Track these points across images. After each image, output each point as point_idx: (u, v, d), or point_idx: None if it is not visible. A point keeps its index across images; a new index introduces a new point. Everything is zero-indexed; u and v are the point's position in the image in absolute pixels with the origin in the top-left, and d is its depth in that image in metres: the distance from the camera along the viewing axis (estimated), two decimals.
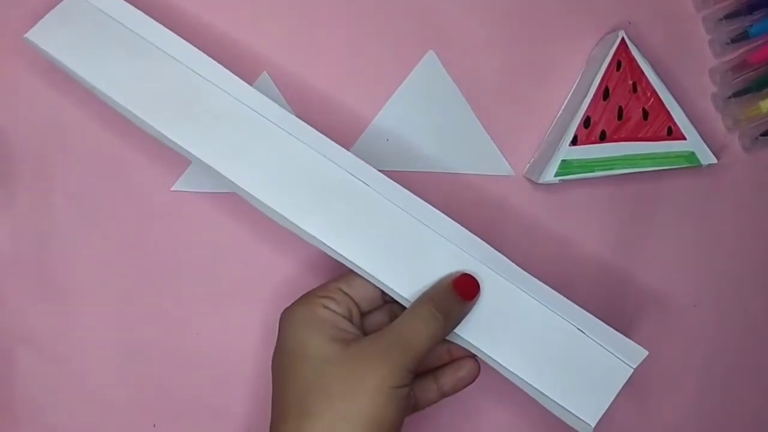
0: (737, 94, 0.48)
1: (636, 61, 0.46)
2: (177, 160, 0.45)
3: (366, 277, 0.39)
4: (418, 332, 0.36)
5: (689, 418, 0.50)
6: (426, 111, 0.47)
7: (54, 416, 0.46)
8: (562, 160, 0.45)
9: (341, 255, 0.39)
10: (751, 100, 0.48)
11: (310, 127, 0.40)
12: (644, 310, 0.50)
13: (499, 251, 0.40)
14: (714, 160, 0.47)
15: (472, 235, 0.40)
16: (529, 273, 0.40)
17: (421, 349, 0.36)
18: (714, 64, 0.49)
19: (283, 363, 0.37)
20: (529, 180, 0.48)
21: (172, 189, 0.46)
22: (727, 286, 0.50)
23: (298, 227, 0.39)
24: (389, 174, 0.40)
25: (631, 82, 0.46)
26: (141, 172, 0.46)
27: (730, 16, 0.48)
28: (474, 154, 0.48)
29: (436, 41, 0.47)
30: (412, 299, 0.38)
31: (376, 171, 0.40)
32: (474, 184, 0.48)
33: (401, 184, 0.40)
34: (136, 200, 0.46)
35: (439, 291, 0.38)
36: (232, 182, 0.39)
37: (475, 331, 0.39)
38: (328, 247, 0.39)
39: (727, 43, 0.48)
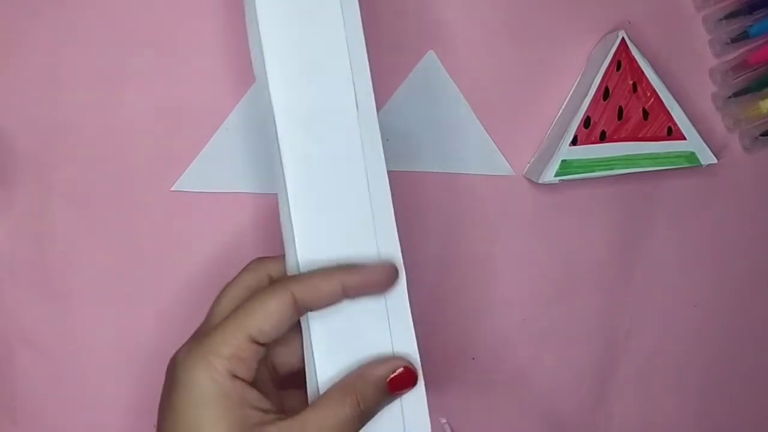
0: (737, 94, 0.48)
1: (636, 61, 0.46)
2: (177, 160, 0.45)
3: (282, 223, 0.35)
4: (334, 430, 0.32)
5: (689, 418, 0.50)
6: (426, 111, 0.47)
7: (54, 416, 0.46)
8: (562, 160, 0.45)
9: (286, 181, 0.35)
10: (751, 100, 0.48)
11: None
12: (644, 310, 0.50)
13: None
14: (714, 160, 0.47)
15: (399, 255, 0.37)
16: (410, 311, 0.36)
17: None
18: (714, 64, 0.49)
19: None
20: (529, 180, 0.48)
21: (172, 189, 0.46)
22: (728, 286, 0.50)
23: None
24: (389, 173, 0.40)
25: (631, 82, 0.46)
26: (141, 172, 0.46)
27: (730, 16, 0.48)
28: (474, 154, 0.48)
29: (436, 41, 0.47)
30: (304, 268, 0.35)
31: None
32: (474, 184, 0.48)
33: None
34: (136, 200, 0.46)
35: (370, 382, 0.34)
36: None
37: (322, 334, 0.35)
38: (281, 159, 0.35)
39: (727, 43, 0.48)
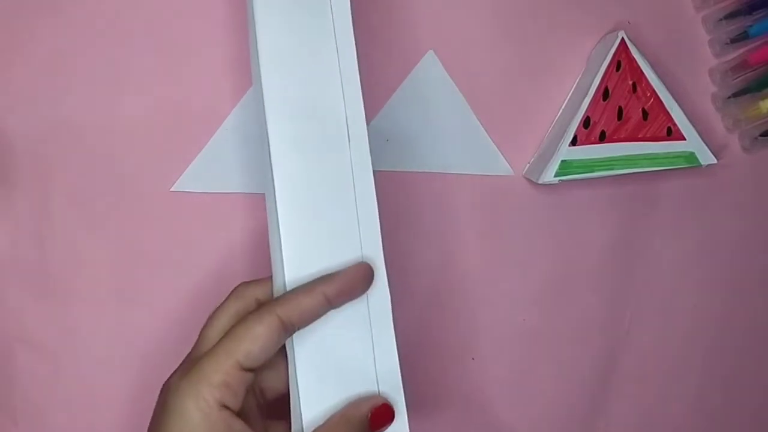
0: (737, 94, 0.48)
1: (636, 62, 0.46)
2: (177, 160, 0.45)
3: (270, 236, 0.36)
4: None
5: (688, 418, 0.50)
6: (426, 111, 0.47)
7: (54, 416, 0.46)
8: (562, 161, 0.45)
9: (275, 195, 0.36)
10: (750, 100, 0.48)
11: None
12: (644, 310, 0.50)
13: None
14: (714, 160, 0.47)
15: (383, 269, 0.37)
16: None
17: None
18: (714, 64, 0.49)
19: None
20: (529, 180, 0.48)
21: (172, 189, 0.46)
22: (727, 286, 0.50)
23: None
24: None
25: (630, 83, 0.46)
26: (141, 172, 0.46)
27: (730, 16, 0.48)
28: (474, 154, 0.48)
29: (436, 41, 0.47)
30: (290, 287, 0.35)
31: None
32: (474, 184, 0.48)
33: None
34: (136, 200, 0.46)
35: (354, 421, 0.35)
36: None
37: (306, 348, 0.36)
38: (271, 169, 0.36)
39: (727, 43, 0.48)
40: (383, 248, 0.37)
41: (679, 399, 0.50)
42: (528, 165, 0.48)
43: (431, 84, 0.47)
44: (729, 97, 0.49)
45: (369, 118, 0.47)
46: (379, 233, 0.37)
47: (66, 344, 0.46)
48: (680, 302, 0.50)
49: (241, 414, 0.33)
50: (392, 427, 0.36)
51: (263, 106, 0.37)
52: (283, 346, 0.36)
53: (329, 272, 0.36)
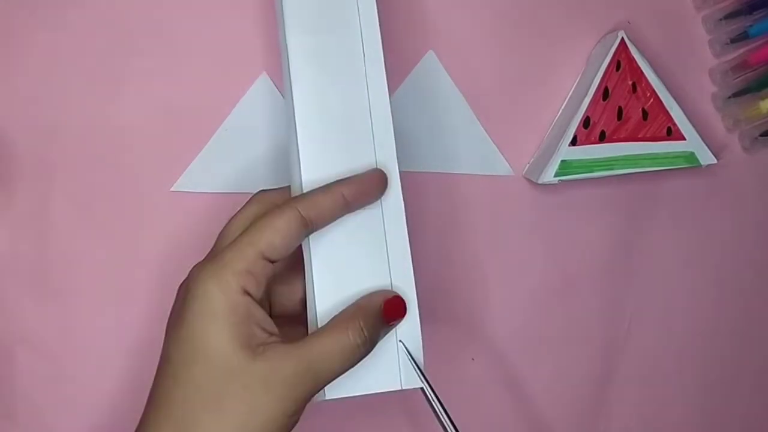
0: (737, 94, 0.48)
1: (636, 62, 0.46)
2: (177, 160, 0.45)
3: (292, 149, 0.37)
4: (337, 358, 0.33)
5: (689, 419, 0.50)
6: (426, 111, 0.47)
7: (54, 416, 0.46)
8: (562, 161, 0.45)
9: (293, 101, 0.37)
10: (750, 100, 0.48)
11: None
12: (644, 310, 0.50)
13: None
14: (714, 161, 0.47)
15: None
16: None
17: (334, 377, 0.33)
18: (714, 64, 0.49)
19: (176, 348, 0.33)
20: (529, 180, 0.48)
21: (172, 189, 0.46)
22: (727, 285, 0.50)
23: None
24: None
25: (630, 83, 0.46)
26: (141, 172, 0.46)
27: (730, 16, 0.48)
28: (474, 154, 0.48)
29: (436, 41, 0.47)
30: (306, 187, 0.36)
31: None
32: (474, 184, 0.48)
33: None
34: (136, 200, 0.46)
35: (369, 311, 0.35)
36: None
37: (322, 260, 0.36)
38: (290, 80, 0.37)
39: (727, 43, 0.48)
40: (397, 158, 0.38)
41: (679, 399, 0.50)
42: (528, 165, 0.48)
43: (431, 84, 0.47)
44: (729, 97, 0.49)
45: None
46: (393, 142, 0.38)
47: (66, 344, 0.46)
48: (680, 302, 0.50)
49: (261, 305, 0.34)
50: (405, 325, 0.37)
51: (283, 19, 0.38)
52: (301, 256, 0.36)
53: (345, 171, 0.36)
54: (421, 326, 0.37)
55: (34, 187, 0.45)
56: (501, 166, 0.48)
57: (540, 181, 0.45)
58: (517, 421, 0.49)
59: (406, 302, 0.36)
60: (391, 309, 0.36)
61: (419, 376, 0.37)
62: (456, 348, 0.48)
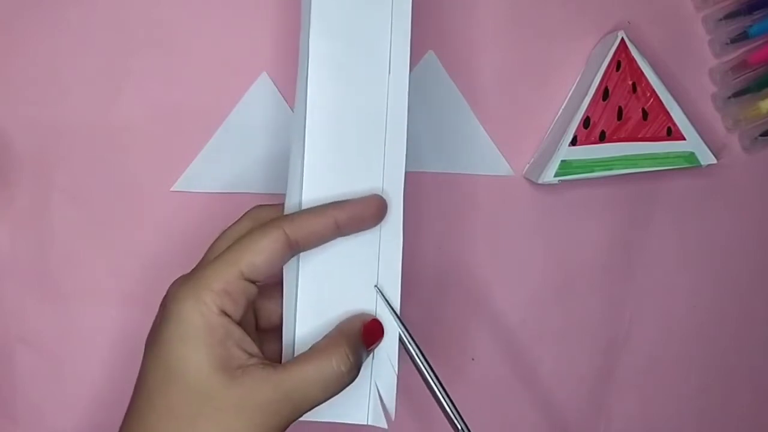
0: (737, 94, 0.48)
1: (636, 62, 0.46)
2: (177, 160, 0.45)
3: (291, 164, 0.35)
4: (320, 386, 0.32)
5: (689, 419, 0.50)
6: (426, 111, 0.47)
7: (54, 416, 0.46)
8: (562, 161, 0.45)
9: (306, 112, 0.35)
10: (750, 100, 0.48)
11: None
12: (644, 310, 0.50)
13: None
14: (714, 161, 0.47)
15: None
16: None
17: (315, 405, 0.33)
18: (714, 64, 0.49)
19: (152, 368, 0.33)
20: (529, 180, 0.48)
21: (172, 189, 0.46)
22: (727, 286, 0.50)
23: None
24: None
25: (630, 83, 0.46)
26: (141, 172, 0.46)
27: (730, 16, 0.48)
28: (474, 154, 0.48)
29: (436, 41, 0.47)
30: (305, 205, 0.35)
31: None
32: (474, 185, 0.48)
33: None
34: (136, 200, 0.46)
35: (351, 336, 0.34)
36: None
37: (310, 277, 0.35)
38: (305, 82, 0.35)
39: (727, 43, 0.48)
40: (405, 188, 0.36)
41: (679, 398, 0.50)
42: (528, 165, 0.48)
43: (431, 84, 0.47)
44: (729, 97, 0.49)
45: None
46: (403, 171, 0.36)
47: (66, 344, 0.46)
48: (680, 302, 0.50)
49: (240, 326, 0.33)
50: (383, 349, 0.36)
51: (309, 18, 0.35)
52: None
53: (347, 193, 0.35)
54: (398, 366, 0.36)
55: (34, 187, 0.45)
56: (501, 166, 0.48)
57: (540, 181, 0.45)
58: (518, 421, 0.49)
59: (385, 332, 0.36)
60: (369, 333, 0.35)
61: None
62: (456, 348, 0.48)
